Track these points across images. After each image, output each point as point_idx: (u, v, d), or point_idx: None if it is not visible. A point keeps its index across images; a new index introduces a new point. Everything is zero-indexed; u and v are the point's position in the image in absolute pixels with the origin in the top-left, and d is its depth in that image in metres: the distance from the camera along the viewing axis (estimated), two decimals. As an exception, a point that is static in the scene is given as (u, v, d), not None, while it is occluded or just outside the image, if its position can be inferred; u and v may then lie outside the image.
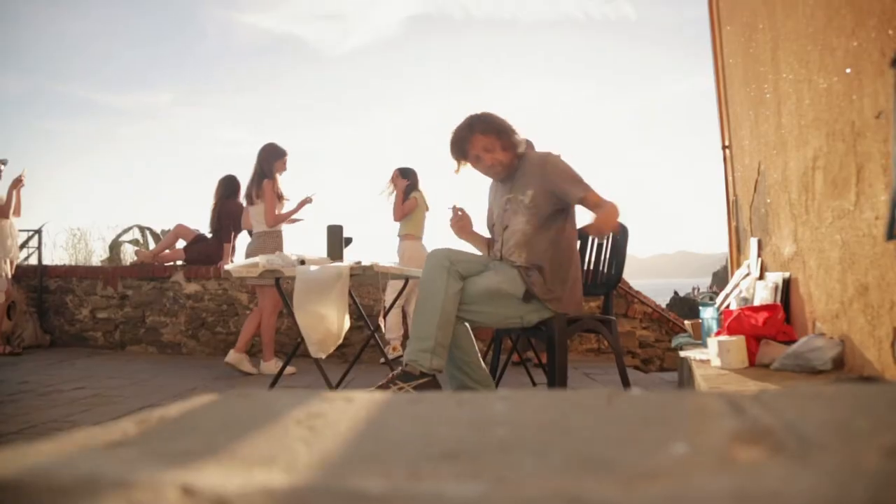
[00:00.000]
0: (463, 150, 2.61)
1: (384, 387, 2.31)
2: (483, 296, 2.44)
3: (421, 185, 5.20)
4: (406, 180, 5.12)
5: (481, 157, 2.58)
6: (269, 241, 4.39)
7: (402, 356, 4.15)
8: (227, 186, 5.32)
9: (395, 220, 5.11)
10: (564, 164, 2.53)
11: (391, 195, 5.12)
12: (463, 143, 2.60)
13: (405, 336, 5.14)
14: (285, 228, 4.58)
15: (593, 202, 2.42)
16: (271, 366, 4.35)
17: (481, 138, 2.56)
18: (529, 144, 2.77)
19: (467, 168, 2.67)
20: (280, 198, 4.45)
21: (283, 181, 4.52)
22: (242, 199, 4.74)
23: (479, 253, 2.74)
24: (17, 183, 5.38)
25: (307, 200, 4.58)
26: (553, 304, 2.49)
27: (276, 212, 4.40)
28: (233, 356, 4.36)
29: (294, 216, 4.58)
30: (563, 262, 2.54)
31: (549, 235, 2.53)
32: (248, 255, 4.35)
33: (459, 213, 2.77)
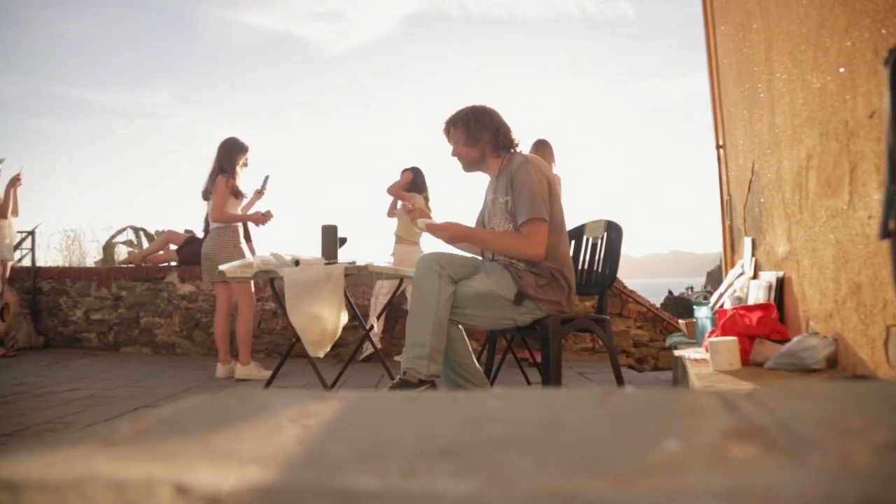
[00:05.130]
0: (448, 137, 2.74)
1: None
2: (475, 299, 2.44)
3: (427, 186, 5.15)
4: (411, 174, 5.13)
5: (453, 147, 2.70)
6: (224, 236, 4.23)
7: (372, 354, 4.14)
8: None
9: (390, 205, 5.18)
10: (532, 177, 2.48)
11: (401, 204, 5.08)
12: (446, 133, 2.73)
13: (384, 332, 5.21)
14: (259, 226, 4.42)
15: (524, 230, 2.45)
16: (251, 370, 4.11)
17: (453, 131, 2.68)
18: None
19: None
20: (237, 195, 4.29)
21: (244, 177, 4.38)
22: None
23: (471, 255, 2.75)
24: (15, 181, 5.34)
25: (260, 193, 4.53)
26: (545, 305, 2.50)
27: (229, 209, 4.23)
28: (241, 371, 4.11)
29: (252, 209, 4.44)
30: (552, 263, 2.54)
31: None
32: (204, 252, 4.25)
33: (410, 206, 2.93)
